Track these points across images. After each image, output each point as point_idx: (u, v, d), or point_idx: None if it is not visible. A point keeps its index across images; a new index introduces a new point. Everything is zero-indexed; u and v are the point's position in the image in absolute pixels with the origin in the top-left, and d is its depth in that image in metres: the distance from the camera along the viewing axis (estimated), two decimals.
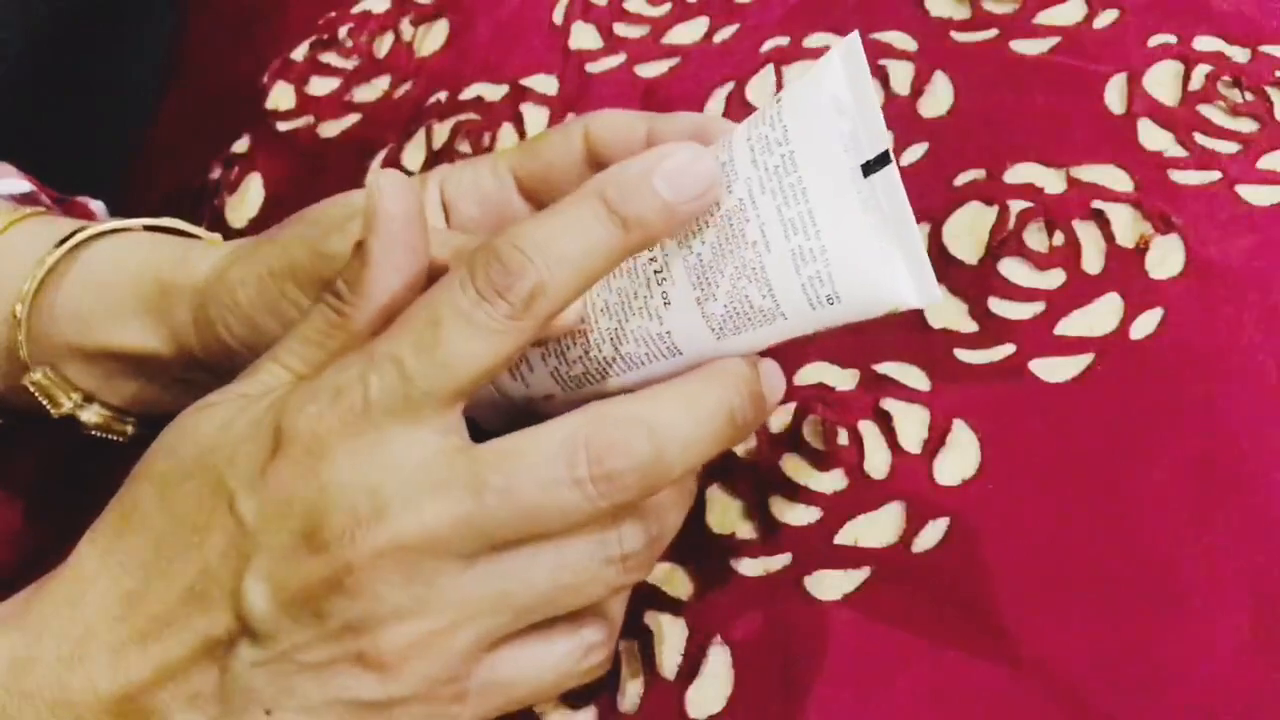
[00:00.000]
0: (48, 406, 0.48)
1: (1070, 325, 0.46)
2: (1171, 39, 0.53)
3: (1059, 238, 0.48)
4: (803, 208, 0.36)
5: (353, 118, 0.62)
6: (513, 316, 0.35)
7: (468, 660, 0.36)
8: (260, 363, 0.39)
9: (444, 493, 0.35)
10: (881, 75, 0.54)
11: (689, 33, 0.60)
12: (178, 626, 0.36)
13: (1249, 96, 0.51)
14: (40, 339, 0.48)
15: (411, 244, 0.38)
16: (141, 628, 0.36)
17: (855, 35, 0.36)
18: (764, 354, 0.39)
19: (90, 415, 0.49)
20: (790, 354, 0.43)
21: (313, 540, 0.35)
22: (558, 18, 0.62)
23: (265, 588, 0.35)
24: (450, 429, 0.36)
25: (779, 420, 0.46)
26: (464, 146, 0.58)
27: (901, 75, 0.54)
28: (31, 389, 0.48)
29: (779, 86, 0.55)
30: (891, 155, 0.35)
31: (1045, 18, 0.55)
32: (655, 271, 0.38)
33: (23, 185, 0.55)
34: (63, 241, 0.48)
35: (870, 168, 0.35)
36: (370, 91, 0.62)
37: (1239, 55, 0.52)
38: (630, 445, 0.35)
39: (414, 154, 0.59)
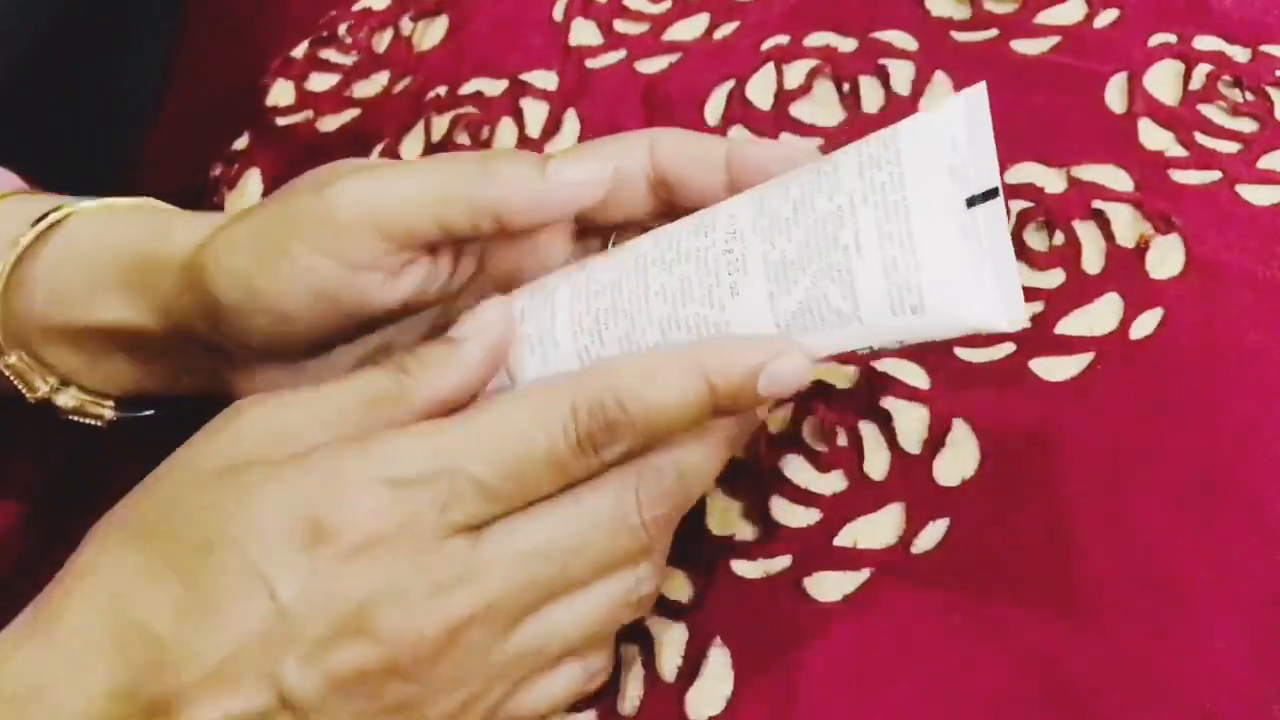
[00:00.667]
0: (24, 391, 0.47)
1: (1070, 325, 0.46)
2: (1172, 38, 0.53)
3: (1059, 237, 0.48)
4: (902, 224, 0.36)
5: (352, 112, 0.62)
6: (592, 467, 0.38)
7: (497, 706, 0.39)
8: (287, 407, 0.39)
9: (502, 573, 0.37)
10: (882, 75, 0.54)
11: (689, 29, 0.59)
12: (208, 705, 0.35)
13: (1249, 96, 0.51)
14: (17, 321, 0.47)
15: (493, 367, 0.40)
16: (159, 702, 0.35)
17: (982, 86, 0.37)
18: None
19: (67, 399, 0.48)
20: None
21: (369, 633, 0.36)
22: (558, 14, 0.62)
23: (315, 673, 0.36)
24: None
25: (779, 421, 0.46)
26: (463, 138, 0.58)
27: (902, 75, 0.54)
28: (6, 373, 0.47)
29: (780, 85, 0.55)
30: (1000, 193, 0.36)
31: (1046, 17, 0.55)
32: (730, 262, 0.38)
33: (17, 185, 0.54)
34: (37, 221, 0.46)
35: (974, 201, 0.36)
36: (370, 87, 0.62)
37: (1239, 55, 0.52)
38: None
39: (412, 146, 0.59)
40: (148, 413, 0.49)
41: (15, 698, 0.35)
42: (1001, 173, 0.49)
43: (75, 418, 0.49)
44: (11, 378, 0.47)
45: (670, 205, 0.43)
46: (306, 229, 0.40)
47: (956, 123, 0.37)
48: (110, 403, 0.49)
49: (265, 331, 0.42)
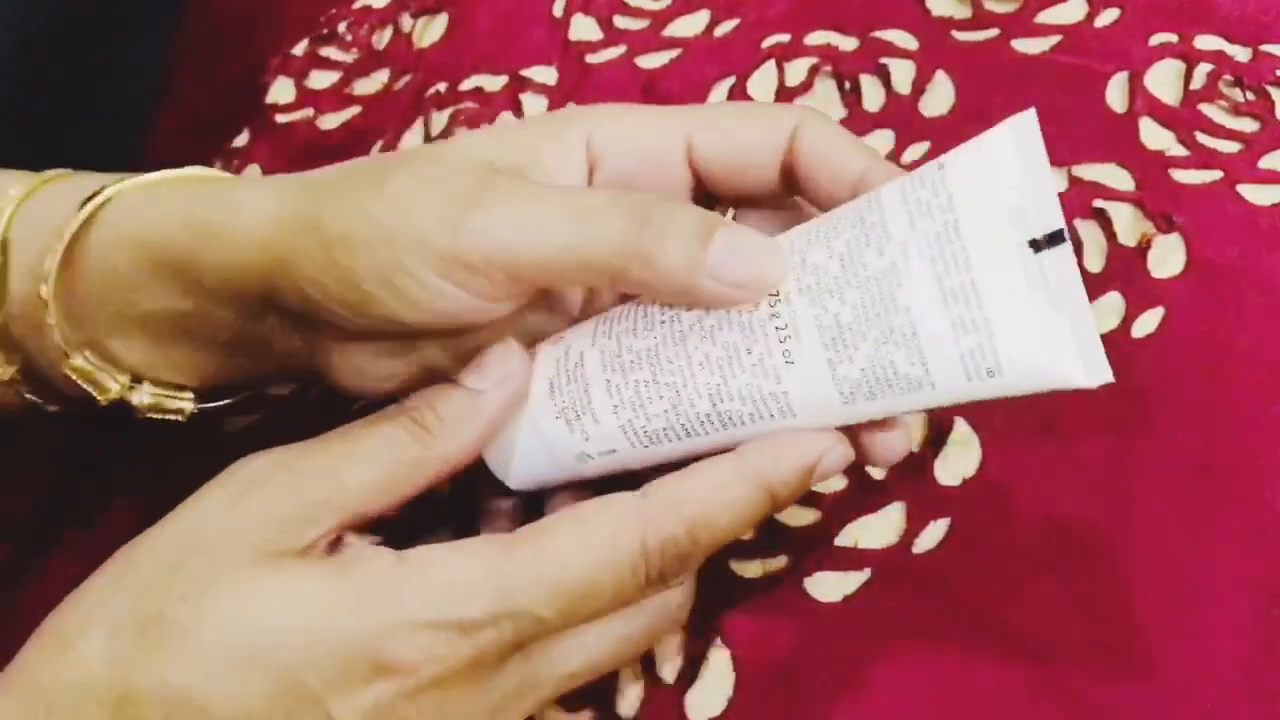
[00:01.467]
0: (94, 394, 0.43)
1: None
2: (1173, 38, 0.53)
3: None
4: (965, 277, 0.33)
5: (352, 110, 0.62)
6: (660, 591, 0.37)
7: None
8: (304, 477, 0.37)
9: (544, 693, 0.38)
10: (882, 74, 0.54)
11: (690, 26, 0.59)
12: None
13: (1250, 96, 0.51)
14: (76, 317, 0.42)
15: (509, 414, 0.39)
16: None
17: (1032, 112, 0.34)
18: None
19: (142, 397, 0.44)
20: None
21: None
22: (558, 10, 0.62)
23: None
24: None
25: None
26: (462, 133, 0.58)
27: (903, 74, 0.54)
28: (73, 376, 0.43)
29: (781, 83, 0.55)
30: (1066, 236, 0.33)
31: (1046, 16, 0.55)
32: (778, 328, 0.36)
33: None
34: (81, 206, 0.42)
35: (1039, 245, 0.33)
36: (370, 84, 0.62)
37: (1240, 54, 0.52)
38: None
39: (412, 142, 0.59)
40: (226, 402, 0.46)
41: None
42: None
43: (153, 415, 0.44)
44: (80, 381, 0.43)
45: (792, 193, 0.41)
46: (436, 262, 0.36)
47: (1008, 157, 0.34)
48: (189, 394, 0.45)
49: (364, 326, 0.39)
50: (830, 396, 0.36)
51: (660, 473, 0.37)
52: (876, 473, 0.44)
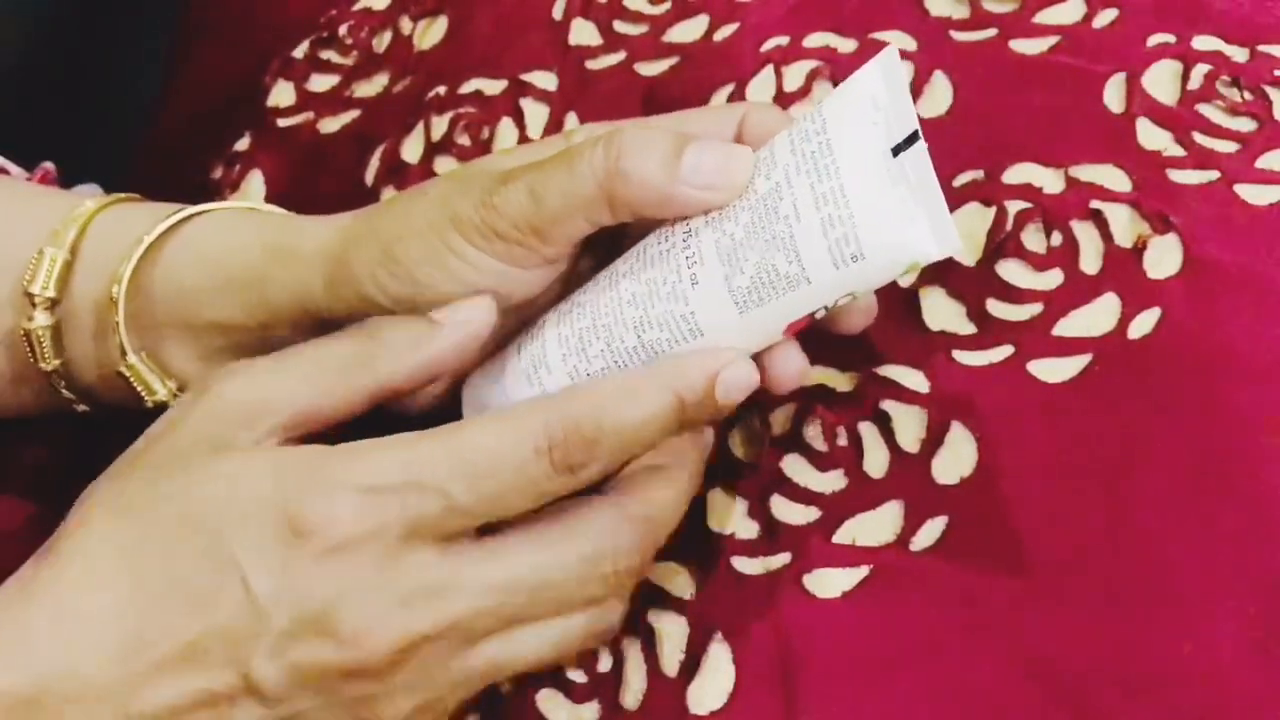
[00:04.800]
0: (142, 393, 0.47)
1: (1068, 326, 0.46)
2: (1171, 38, 0.53)
3: (1057, 238, 0.48)
4: (834, 182, 0.38)
5: (352, 113, 0.62)
6: (565, 486, 0.39)
7: (451, 710, 0.41)
8: (259, 377, 0.41)
9: (468, 595, 0.38)
10: None
11: (689, 31, 0.59)
12: (176, 677, 0.37)
13: (1248, 96, 0.51)
14: (139, 320, 0.47)
15: (460, 359, 0.43)
16: (136, 672, 0.37)
17: (894, 48, 0.39)
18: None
19: None
20: None
21: (332, 632, 0.37)
22: (557, 13, 0.62)
23: (278, 664, 0.37)
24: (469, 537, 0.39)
25: (780, 422, 0.46)
26: (463, 139, 0.58)
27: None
28: (126, 374, 0.47)
29: (779, 88, 0.55)
30: (920, 134, 0.38)
31: (1045, 17, 0.55)
32: (688, 257, 0.41)
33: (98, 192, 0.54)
34: (163, 220, 0.47)
35: (900, 149, 0.38)
36: (370, 87, 0.63)
37: (1238, 55, 0.52)
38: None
39: (412, 147, 0.59)
40: None
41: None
42: (999, 173, 0.50)
43: None
44: (133, 380, 0.47)
45: None
46: (475, 237, 0.42)
47: (875, 83, 0.39)
48: None
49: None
50: (727, 307, 0.40)
51: None
52: (875, 471, 0.45)
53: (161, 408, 0.47)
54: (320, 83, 0.63)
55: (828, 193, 0.38)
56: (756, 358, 0.41)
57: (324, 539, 0.37)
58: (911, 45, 0.55)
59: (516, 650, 0.40)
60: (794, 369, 0.42)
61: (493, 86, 0.60)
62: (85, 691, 0.37)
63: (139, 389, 0.47)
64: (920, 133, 0.38)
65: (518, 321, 0.45)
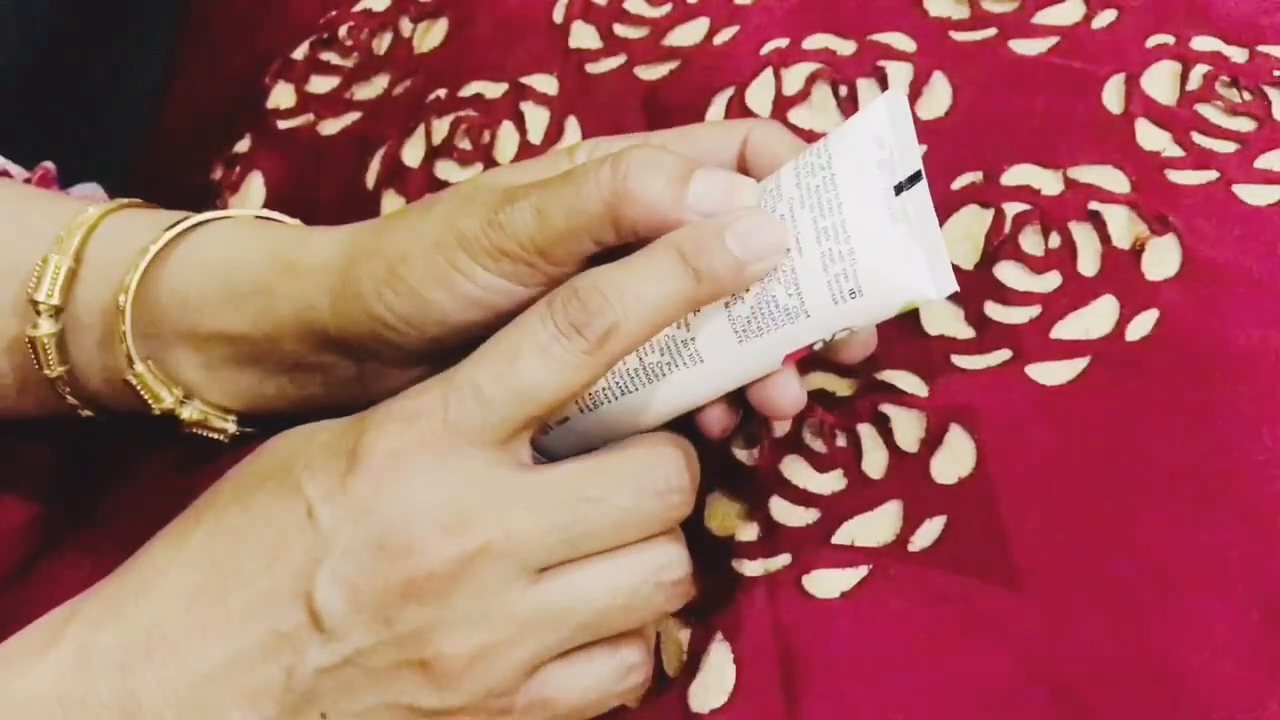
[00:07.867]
0: (148, 401, 0.47)
1: (1066, 328, 0.46)
2: (1169, 39, 0.53)
3: (1055, 240, 0.48)
4: (836, 218, 0.39)
5: (353, 115, 0.62)
6: (587, 352, 0.39)
7: (520, 675, 0.39)
8: (322, 429, 0.41)
9: (524, 508, 0.38)
10: (880, 77, 0.54)
11: (689, 34, 0.59)
12: (248, 622, 0.38)
13: (1247, 96, 0.51)
14: (145, 329, 0.47)
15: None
16: (210, 621, 0.38)
17: (902, 92, 0.40)
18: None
19: (191, 412, 0.48)
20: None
21: (389, 548, 0.37)
22: (558, 16, 0.62)
23: (340, 590, 0.37)
24: (522, 451, 0.40)
25: (780, 426, 0.46)
26: (464, 143, 0.58)
27: (900, 77, 0.54)
28: (133, 382, 0.47)
29: (778, 91, 0.55)
30: (923, 175, 0.38)
31: (1044, 17, 0.55)
32: None
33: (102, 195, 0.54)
34: (170, 228, 0.47)
35: (902, 187, 0.38)
36: (370, 89, 0.62)
37: (1237, 55, 0.52)
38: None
39: (413, 150, 0.59)
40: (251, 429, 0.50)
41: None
42: (998, 174, 0.50)
43: (198, 431, 0.49)
44: (139, 388, 0.47)
45: None
46: (482, 256, 0.42)
47: (881, 122, 0.39)
48: (233, 417, 0.49)
49: (416, 346, 0.44)
50: (727, 336, 0.40)
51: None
52: (874, 472, 0.45)
53: (168, 415, 0.48)
54: (320, 84, 0.63)
55: (830, 228, 0.39)
56: (755, 384, 0.42)
57: (381, 456, 0.38)
58: (911, 46, 0.55)
59: (580, 590, 0.39)
60: (791, 397, 0.42)
61: (493, 89, 0.60)
62: (149, 640, 0.38)
63: (145, 397, 0.47)
64: (923, 173, 0.38)
65: None
